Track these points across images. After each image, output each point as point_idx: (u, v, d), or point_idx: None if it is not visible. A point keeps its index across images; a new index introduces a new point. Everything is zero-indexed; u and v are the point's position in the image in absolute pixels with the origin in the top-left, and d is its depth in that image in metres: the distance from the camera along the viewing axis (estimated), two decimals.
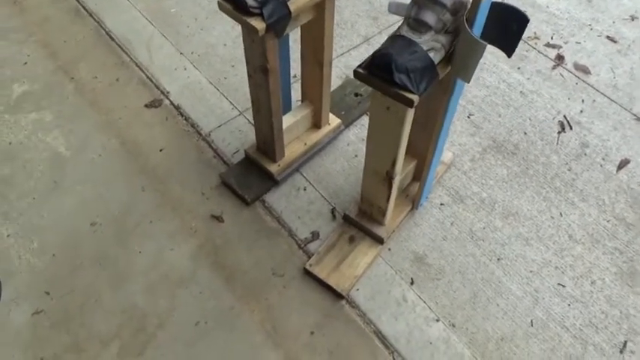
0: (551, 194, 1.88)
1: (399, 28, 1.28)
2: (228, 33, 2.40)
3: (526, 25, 1.22)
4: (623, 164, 1.97)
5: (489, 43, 1.21)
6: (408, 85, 1.21)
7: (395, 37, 1.26)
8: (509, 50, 1.27)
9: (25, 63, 2.27)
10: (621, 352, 1.55)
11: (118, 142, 2.02)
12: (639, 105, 2.15)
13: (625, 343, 1.56)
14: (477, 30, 1.21)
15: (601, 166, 1.96)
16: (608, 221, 1.82)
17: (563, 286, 1.67)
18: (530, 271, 1.70)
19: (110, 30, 2.41)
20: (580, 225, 1.81)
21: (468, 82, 1.29)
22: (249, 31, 1.42)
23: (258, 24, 1.36)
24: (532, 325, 1.59)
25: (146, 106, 2.14)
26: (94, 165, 1.95)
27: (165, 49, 2.34)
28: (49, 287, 1.66)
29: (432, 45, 1.23)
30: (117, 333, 1.57)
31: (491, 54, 2.30)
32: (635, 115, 2.12)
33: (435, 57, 1.24)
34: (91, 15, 2.47)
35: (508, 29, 1.23)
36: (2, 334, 1.56)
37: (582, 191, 1.89)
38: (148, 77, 2.24)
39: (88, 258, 1.72)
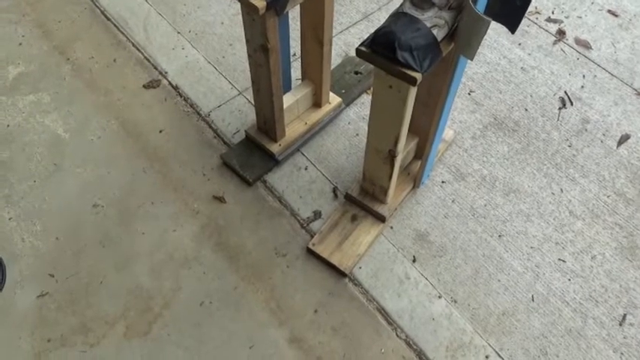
0: (552, 170, 1.89)
1: (401, 4, 1.26)
2: (225, 11, 2.37)
3: (530, 0, 1.21)
4: (623, 139, 1.97)
5: (493, 19, 1.20)
6: (412, 63, 1.20)
7: (398, 14, 1.24)
8: (512, 26, 1.25)
9: (20, 44, 2.24)
10: (620, 324, 1.57)
11: (118, 123, 2.01)
12: None
13: (624, 315, 1.59)
14: (480, 6, 1.19)
15: (601, 141, 1.97)
16: (608, 197, 1.83)
17: (564, 261, 1.69)
18: (531, 247, 1.71)
19: (105, 9, 2.37)
20: (580, 201, 1.82)
21: (472, 60, 1.28)
22: (249, 10, 1.40)
23: (259, 2, 1.34)
24: (533, 300, 1.61)
25: (144, 86, 2.12)
26: (93, 147, 1.95)
27: (162, 28, 2.31)
28: (54, 270, 1.66)
29: (435, 22, 1.22)
30: (123, 313, 1.59)
31: (492, 29, 2.28)
32: (635, 90, 2.11)
33: (439, 34, 1.23)
34: None
35: (512, 4, 1.22)
36: (8, 316, 1.58)
37: (583, 167, 1.90)
38: (145, 57, 2.21)
39: (91, 240, 1.73)
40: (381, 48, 1.23)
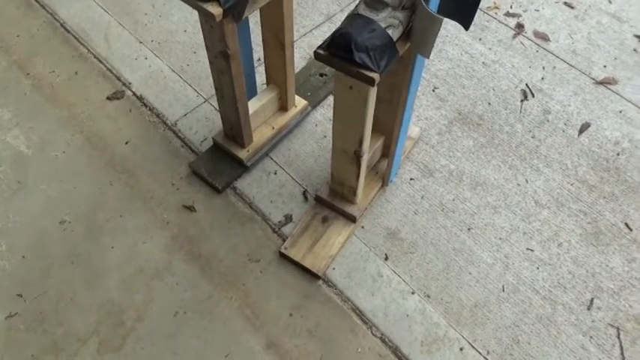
0: (517, 162, 1.92)
1: (356, 6, 1.28)
2: (187, 18, 2.35)
3: None
4: (584, 128, 2.02)
5: (446, 17, 1.22)
6: (369, 63, 1.22)
7: (353, 16, 1.26)
8: (466, 23, 1.28)
9: None
10: (588, 308, 1.61)
11: (82, 137, 1.98)
12: (597, 69, 2.20)
13: (592, 300, 1.63)
14: (432, 4, 1.21)
15: (563, 131, 2.01)
16: (571, 185, 1.87)
17: (532, 250, 1.72)
18: (500, 239, 1.75)
19: (64, 21, 2.33)
20: (545, 190, 1.86)
21: (428, 57, 1.30)
22: (206, 17, 1.40)
23: (215, 9, 1.33)
24: (504, 291, 1.64)
25: (108, 98, 2.09)
26: (58, 162, 1.91)
27: (123, 38, 2.28)
28: (21, 289, 1.63)
29: (390, 22, 1.23)
30: (95, 329, 1.57)
31: (453, 26, 2.32)
32: (593, 79, 2.17)
33: (394, 34, 1.24)
34: (43, 7, 2.39)
35: (463, 1, 1.24)
36: None
37: (546, 157, 1.94)
38: (107, 69, 2.18)
39: (59, 257, 1.70)
40: (339, 50, 1.24)
